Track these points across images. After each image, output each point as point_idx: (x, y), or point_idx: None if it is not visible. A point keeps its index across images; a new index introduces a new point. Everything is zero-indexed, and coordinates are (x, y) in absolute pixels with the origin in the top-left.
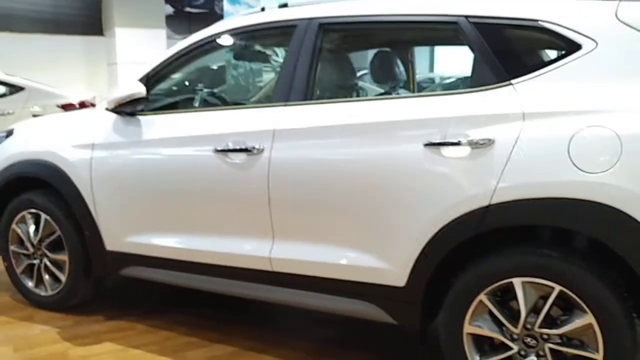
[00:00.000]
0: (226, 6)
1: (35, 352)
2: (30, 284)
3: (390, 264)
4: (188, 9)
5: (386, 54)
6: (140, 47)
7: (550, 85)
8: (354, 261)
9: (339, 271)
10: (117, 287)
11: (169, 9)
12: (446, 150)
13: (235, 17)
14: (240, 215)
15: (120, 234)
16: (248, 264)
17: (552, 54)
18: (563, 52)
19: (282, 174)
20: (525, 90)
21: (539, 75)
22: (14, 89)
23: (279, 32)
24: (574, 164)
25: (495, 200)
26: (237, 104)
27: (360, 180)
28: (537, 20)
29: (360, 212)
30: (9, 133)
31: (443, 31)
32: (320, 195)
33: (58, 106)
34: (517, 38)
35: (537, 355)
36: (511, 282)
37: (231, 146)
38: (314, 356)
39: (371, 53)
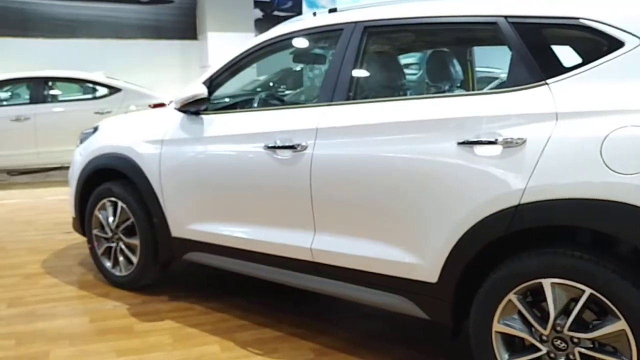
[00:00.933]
0: (305, 9)
1: (107, 324)
2: (108, 264)
3: (423, 260)
4: (276, 13)
5: (439, 53)
6: (230, 49)
7: (587, 84)
8: (389, 256)
9: (375, 265)
10: (183, 271)
11: (258, 13)
12: (479, 149)
13: (289, 22)
14: (286, 208)
15: (184, 222)
16: (292, 254)
17: (592, 52)
18: (604, 49)
19: (323, 170)
20: (560, 90)
21: (576, 74)
22: (113, 90)
23: (328, 36)
24: (606, 165)
25: (525, 200)
26: (289, 104)
27: (396, 177)
28: (578, 19)
29: (395, 209)
30: (95, 129)
31: (483, 32)
32: (357, 191)
33: (150, 106)
34: (556, 37)
35: (567, 359)
36: (540, 283)
37: (279, 143)
38: (353, 346)
39: (418, 54)
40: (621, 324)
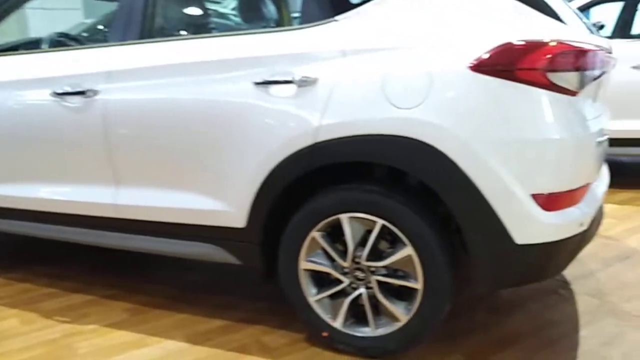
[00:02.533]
0: None
1: None
2: None
3: (229, 205)
4: None
5: None
6: None
7: (372, 20)
8: (195, 204)
9: (182, 215)
10: None
11: None
12: (274, 89)
13: None
14: (83, 162)
15: None
16: (95, 212)
17: None
18: None
19: (118, 117)
20: (348, 26)
21: (363, 10)
22: None
23: None
24: (389, 100)
25: (320, 139)
26: (81, 43)
27: (195, 122)
28: None
29: (196, 155)
30: None
31: None
32: (156, 138)
33: None
34: None
35: (367, 287)
36: (339, 218)
37: (68, 89)
38: (171, 301)
39: None
40: (408, 250)
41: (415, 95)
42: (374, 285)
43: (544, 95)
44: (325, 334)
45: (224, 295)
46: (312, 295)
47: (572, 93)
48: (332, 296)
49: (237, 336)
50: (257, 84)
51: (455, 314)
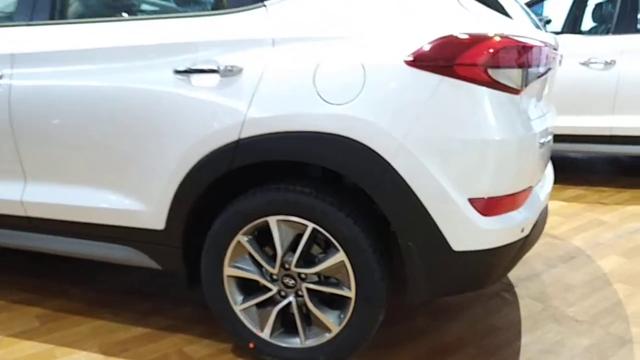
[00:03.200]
0: None
1: None
2: None
3: (147, 205)
4: None
5: None
6: None
7: (302, 7)
8: (110, 203)
9: (96, 214)
10: None
11: None
12: (196, 79)
13: None
14: None
15: None
16: (2, 209)
17: None
18: None
19: (25, 105)
20: (278, 13)
21: None
22: None
23: None
24: (319, 95)
25: (244, 135)
26: None
27: (107, 113)
28: None
29: (109, 149)
30: None
31: None
32: (67, 129)
33: None
34: None
35: (297, 296)
36: (267, 221)
37: None
38: (88, 306)
39: None
40: (340, 256)
41: (348, 90)
42: (304, 293)
43: (484, 93)
44: (251, 345)
45: (150, 301)
46: (238, 304)
47: (515, 91)
48: (259, 305)
49: (157, 346)
50: (178, 72)
51: (393, 320)
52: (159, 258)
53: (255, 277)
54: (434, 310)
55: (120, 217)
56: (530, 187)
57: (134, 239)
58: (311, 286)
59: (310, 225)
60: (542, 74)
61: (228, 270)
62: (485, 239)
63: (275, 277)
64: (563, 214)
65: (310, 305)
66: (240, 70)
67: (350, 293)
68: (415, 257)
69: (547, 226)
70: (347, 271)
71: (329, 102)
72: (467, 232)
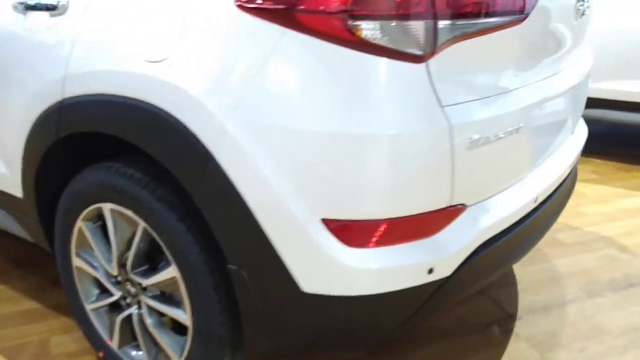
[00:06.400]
0: None
1: None
2: None
3: (7, 168)
4: None
5: None
6: None
7: None
8: None
9: None
10: None
11: None
12: (31, 17)
13: None
14: None
15: None
16: None
17: None
18: None
19: None
20: None
21: None
22: None
23: None
24: (137, 47)
25: (67, 95)
26: None
27: None
28: None
29: None
30: None
31: None
32: None
33: None
34: None
35: (140, 308)
36: (101, 208)
37: None
38: None
39: None
40: (172, 271)
41: (162, 43)
42: (144, 307)
43: (348, 59)
44: (101, 354)
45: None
46: (89, 302)
47: (414, 58)
48: (111, 308)
49: (23, 330)
50: (16, 7)
51: None
52: (28, 229)
53: (97, 275)
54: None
55: None
56: (459, 206)
57: (8, 205)
58: (149, 301)
59: (142, 224)
60: (498, 25)
61: (75, 261)
62: (353, 280)
63: (119, 279)
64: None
65: (148, 322)
66: (65, 8)
67: (188, 321)
68: (252, 293)
69: (614, 232)
70: (182, 292)
71: (146, 59)
72: (321, 268)
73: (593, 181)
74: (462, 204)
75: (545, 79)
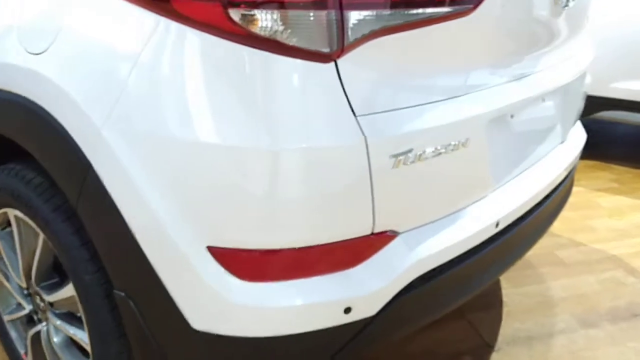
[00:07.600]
0: None
1: None
2: None
3: None
4: None
5: None
6: None
7: None
8: None
9: None
10: None
11: None
12: None
13: None
14: None
15: None
16: None
17: None
18: None
19: None
20: None
21: None
22: None
23: None
24: (19, 36)
25: None
26: None
27: None
28: None
29: None
30: None
31: None
32: None
33: None
34: None
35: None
36: (7, 213)
37: None
38: None
39: None
40: (70, 289)
41: (45, 32)
42: (51, 325)
43: (232, 55)
44: None
45: None
46: (6, 313)
47: (320, 57)
48: (27, 321)
49: None
50: None
51: None
52: None
53: (5, 282)
54: None
55: None
56: (390, 233)
57: None
58: (53, 319)
59: (42, 234)
60: (435, 17)
61: None
62: (243, 319)
63: (30, 291)
64: None
65: (53, 340)
66: None
67: (88, 345)
68: (141, 324)
69: (624, 251)
70: (81, 314)
71: (27, 50)
72: (210, 303)
73: (611, 190)
74: (392, 231)
75: (512, 80)
